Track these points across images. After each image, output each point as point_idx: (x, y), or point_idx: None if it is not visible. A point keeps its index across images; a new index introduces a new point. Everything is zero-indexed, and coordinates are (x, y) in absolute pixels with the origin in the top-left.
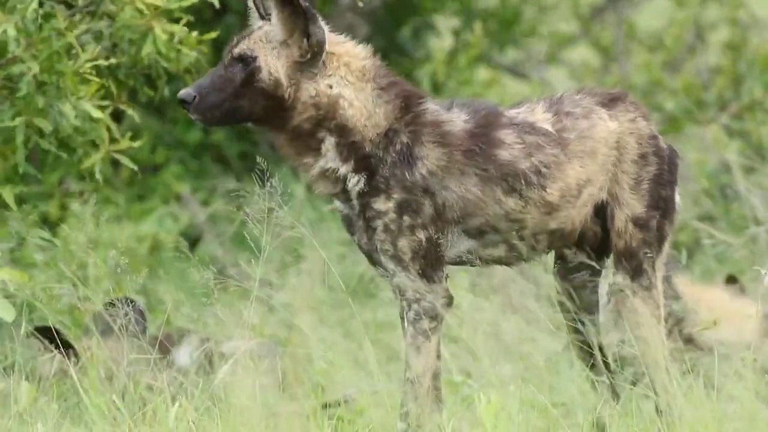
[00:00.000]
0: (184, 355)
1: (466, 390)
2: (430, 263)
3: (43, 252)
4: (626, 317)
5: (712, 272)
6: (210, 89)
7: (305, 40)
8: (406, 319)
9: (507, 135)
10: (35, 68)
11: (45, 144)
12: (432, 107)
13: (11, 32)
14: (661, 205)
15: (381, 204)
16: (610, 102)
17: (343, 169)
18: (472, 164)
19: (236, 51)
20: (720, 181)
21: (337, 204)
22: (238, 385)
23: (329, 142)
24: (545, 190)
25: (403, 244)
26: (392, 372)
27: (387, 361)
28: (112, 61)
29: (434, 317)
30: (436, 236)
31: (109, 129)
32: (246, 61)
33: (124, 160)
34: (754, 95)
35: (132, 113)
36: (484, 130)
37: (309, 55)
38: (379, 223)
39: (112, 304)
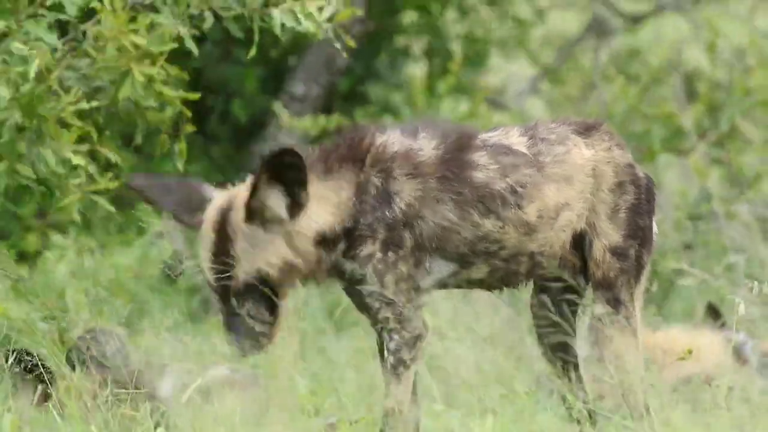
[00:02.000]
0: (165, 385)
1: (447, 418)
2: (410, 294)
3: (22, 284)
4: (605, 347)
5: (693, 302)
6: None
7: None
8: (386, 349)
9: (480, 157)
10: (17, 115)
11: (24, 181)
12: (395, 137)
13: (3, 93)
14: (639, 234)
15: (368, 248)
16: (586, 130)
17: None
18: (447, 190)
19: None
20: (700, 210)
21: None
22: (220, 414)
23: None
24: (522, 210)
25: (389, 278)
26: (374, 401)
27: (368, 390)
28: (94, 104)
29: (413, 347)
30: (415, 267)
31: (86, 169)
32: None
33: (101, 202)
34: (734, 123)
35: (113, 156)
36: (456, 154)
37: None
38: (369, 269)
39: (91, 335)
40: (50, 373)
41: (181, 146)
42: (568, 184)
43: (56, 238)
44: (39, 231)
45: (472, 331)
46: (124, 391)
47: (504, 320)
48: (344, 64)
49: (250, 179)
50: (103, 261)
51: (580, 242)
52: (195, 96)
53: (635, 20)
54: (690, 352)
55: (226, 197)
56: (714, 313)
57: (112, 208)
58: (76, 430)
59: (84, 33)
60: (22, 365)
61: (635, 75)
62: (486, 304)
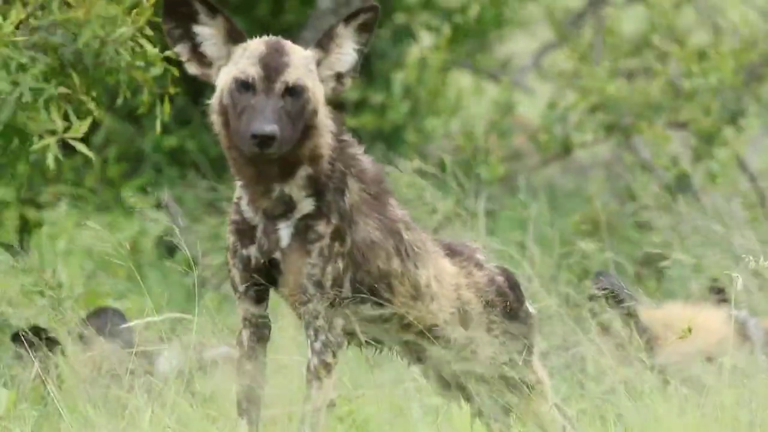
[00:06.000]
0: (164, 361)
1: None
2: (339, 296)
3: (18, 258)
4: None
5: (688, 281)
6: (284, 123)
7: (340, 78)
8: (310, 347)
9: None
10: None
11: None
12: (348, 138)
13: None
14: (523, 332)
15: (322, 227)
16: (449, 250)
17: (298, 193)
18: (376, 208)
19: (290, 81)
20: (680, 182)
21: (248, 215)
22: (219, 391)
23: (303, 171)
24: (417, 269)
25: (329, 270)
26: (375, 378)
27: (368, 367)
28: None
29: (336, 353)
30: (343, 272)
31: (66, 116)
32: (298, 92)
33: (80, 147)
34: (693, 84)
35: (89, 103)
36: (383, 178)
37: (335, 93)
38: (315, 247)
39: (95, 314)
40: (48, 348)
41: (165, 107)
42: (441, 281)
43: (50, 214)
44: (20, 207)
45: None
46: (123, 365)
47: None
48: None
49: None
50: (98, 236)
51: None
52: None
53: None
54: (690, 330)
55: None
56: (717, 290)
57: (90, 154)
58: (73, 405)
59: None
60: (19, 339)
61: (632, 51)
62: None
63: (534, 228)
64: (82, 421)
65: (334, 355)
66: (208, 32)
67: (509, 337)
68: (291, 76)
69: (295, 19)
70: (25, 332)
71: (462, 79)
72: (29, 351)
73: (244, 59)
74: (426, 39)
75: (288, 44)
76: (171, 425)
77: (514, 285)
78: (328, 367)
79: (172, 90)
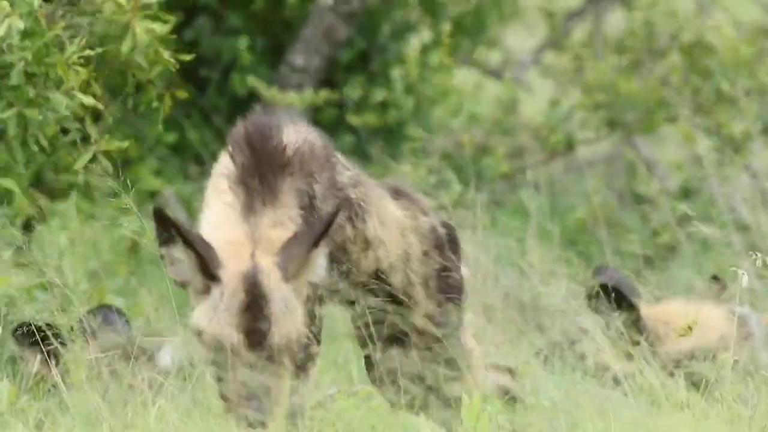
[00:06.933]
0: (165, 356)
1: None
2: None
3: (21, 253)
4: None
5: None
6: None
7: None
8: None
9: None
10: (28, 56)
11: (30, 142)
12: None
13: (17, 25)
14: (452, 293)
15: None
16: (396, 193)
17: None
18: (327, 181)
19: (276, 344)
20: (695, 178)
21: None
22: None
23: None
24: (366, 222)
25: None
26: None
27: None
28: (99, 50)
29: (319, 341)
30: None
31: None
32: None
33: (104, 162)
34: (722, 89)
35: (108, 115)
36: (326, 148)
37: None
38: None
39: (96, 311)
40: (51, 343)
41: (165, 103)
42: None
43: (60, 205)
44: (32, 198)
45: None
46: (125, 360)
47: (503, 292)
48: (344, 35)
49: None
50: (102, 231)
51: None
52: (187, 57)
53: None
54: (691, 327)
55: (245, 256)
56: (718, 285)
57: (110, 168)
58: (78, 400)
59: None
60: (22, 334)
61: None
62: (473, 285)
63: (535, 223)
64: (85, 416)
65: (318, 344)
66: (184, 257)
67: (443, 298)
68: (275, 338)
69: (294, 14)
70: (28, 326)
71: (462, 76)
72: (33, 345)
73: (222, 311)
74: (425, 35)
75: (265, 284)
76: (174, 420)
77: (453, 240)
78: (312, 357)
79: (180, 93)
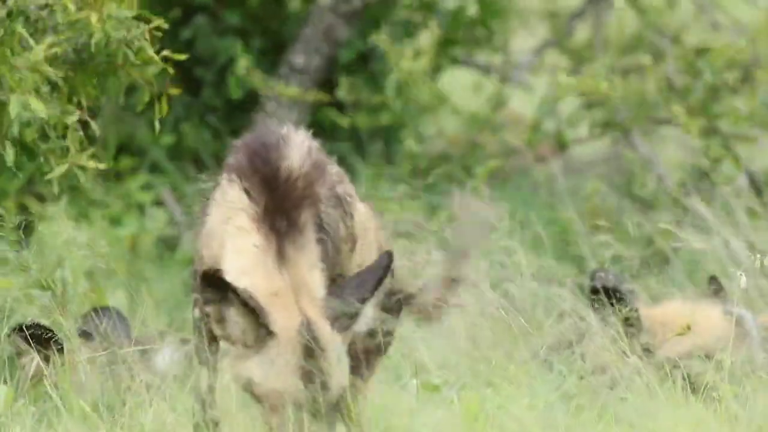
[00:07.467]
0: (163, 357)
1: (445, 392)
2: None
3: (18, 255)
4: None
5: (690, 274)
6: None
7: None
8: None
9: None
10: None
11: (4, 148)
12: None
13: None
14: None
15: None
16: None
17: None
18: (325, 186)
19: (334, 399)
20: (695, 178)
21: None
22: (217, 386)
23: None
24: (353, 219)
25: None
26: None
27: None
28: (66, 46)
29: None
30: None
31: (80, 140)
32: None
33: (81, 176)
34: (712, 83)
35: (94, 126)
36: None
37: None
38: None
39: (93, 312)
40: (49, 346)
41: (162, 104)
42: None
43: (51, 209)
44: (19, 202)
45: (465, 311)
46: (122, 360)
47: (502, 291)
48: (344, 35)
49: None
50: (99, 232)
51: None
52: (180, 57)
53: None
54: (689, 327)
55: (291, 308)
56: (716, 286)
57: (86, 182)
58: (70, 404)
59: None
60: (20, 336)
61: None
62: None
63: (530, 223)
64: (82, 418)
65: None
66: (238, 318)
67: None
68: (333, 389)
69: (294, 13)
70: (25, 329)
71: (461, 76)
72: (29, 347)
73: (281, 366)
74: (424, 38)
75: (319, 337)
76: (170, 421)
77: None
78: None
79: (173, 91)
